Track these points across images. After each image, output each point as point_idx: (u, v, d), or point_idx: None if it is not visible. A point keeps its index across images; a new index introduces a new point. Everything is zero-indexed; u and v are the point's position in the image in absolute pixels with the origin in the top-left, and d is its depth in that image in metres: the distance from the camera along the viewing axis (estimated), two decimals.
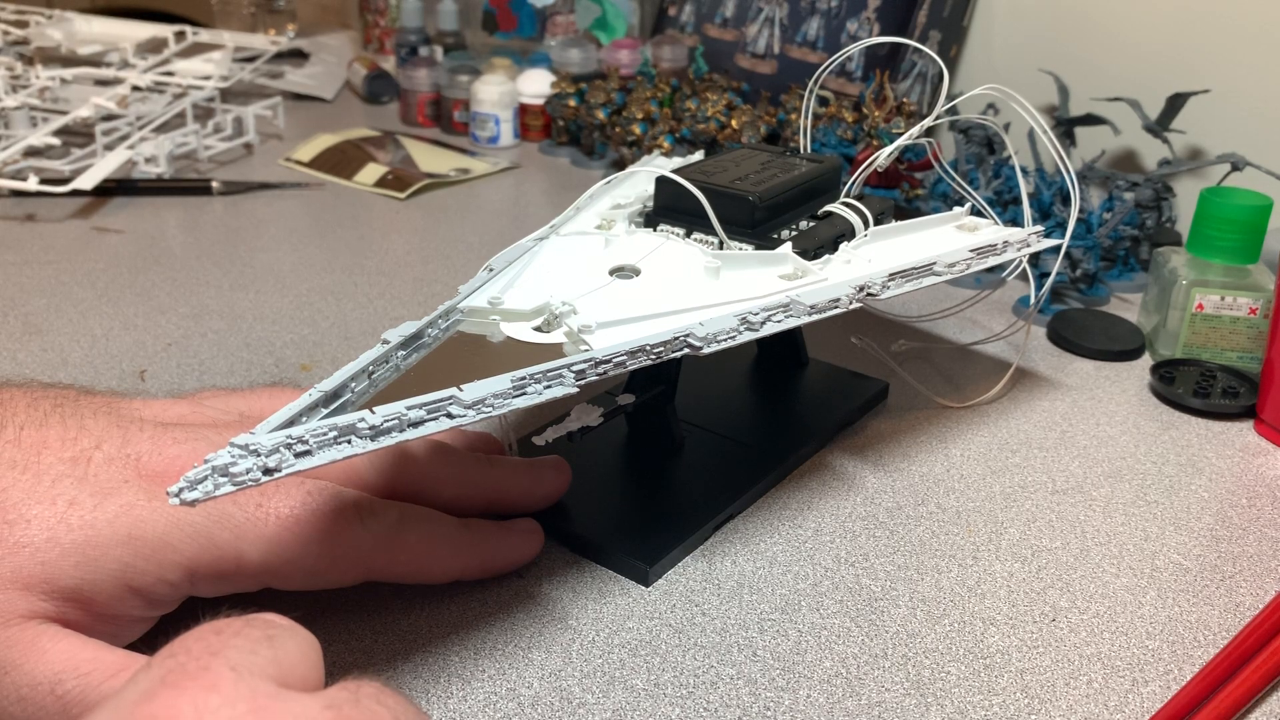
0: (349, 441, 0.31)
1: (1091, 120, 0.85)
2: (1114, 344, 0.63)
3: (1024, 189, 0.57)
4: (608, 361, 0.37)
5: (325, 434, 0.31)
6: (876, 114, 0.84)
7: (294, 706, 0.24)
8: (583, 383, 0.36)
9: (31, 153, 0.86)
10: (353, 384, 0.36)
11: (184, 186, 0.86)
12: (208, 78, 1.01)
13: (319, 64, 1.23)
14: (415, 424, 0.32)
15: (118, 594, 0.33)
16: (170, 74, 1.02)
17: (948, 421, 0.55)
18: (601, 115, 0.96)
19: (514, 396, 0.34)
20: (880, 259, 0.48)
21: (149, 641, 0.35)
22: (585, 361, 0.36)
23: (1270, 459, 0.54)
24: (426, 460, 0.41)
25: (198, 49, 1.09)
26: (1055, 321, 0.66)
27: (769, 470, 0.49)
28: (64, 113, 0.90)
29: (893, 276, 0.46)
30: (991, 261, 0.51)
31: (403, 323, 0.39)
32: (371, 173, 0.92)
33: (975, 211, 0.55)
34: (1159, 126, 0.81)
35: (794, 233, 0.49)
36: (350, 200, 0.87)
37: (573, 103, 0.99)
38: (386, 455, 0.40)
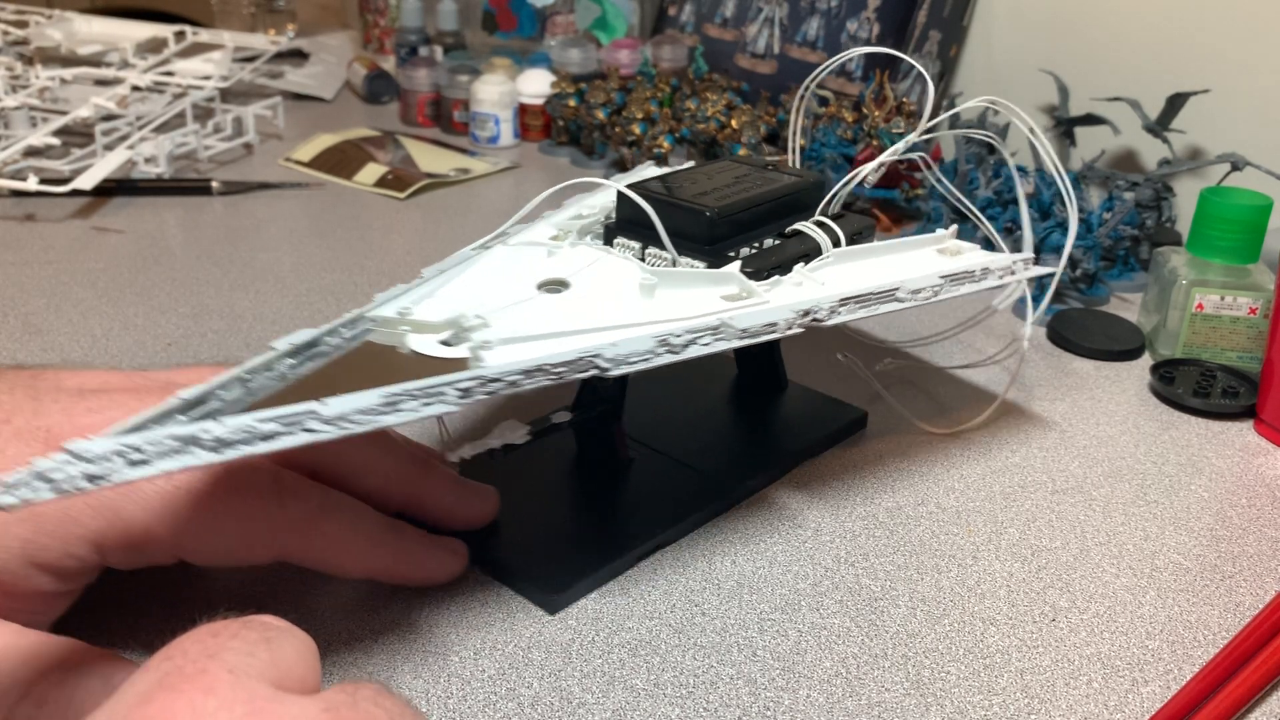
0: (191, 453, 0.30)
1: (1091, 120, 0.85)
2: (1114, 344, 0.63)
3: (1026, 217, 0.54)
4: (499, 380, 0.35)
5: (164, 444, 0.29)
6: (876, 114, 0.84)
7: (291, 709, 0.24)
8: (468, 401, 0.34)
9: (31, 153, 0.86)
10: (222, 391, 0.34)
11: (184, 186, 0.86)
12: (208, 78, 1.01)
13: (319, 64, 1.23)
14: (267, 437, 0.31)
15: (23, 571, 0.33)
16: (170, 74, 1.02)
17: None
18: (601, 115, 0.96)
19: (383, 414, 0.33)
20: (837, 282, 0.46)
21: (131, 635, 0.35)
22: (473, 379, 0.34)
23: (1270, 459, 0.54)
24: (359, 441, 0.39)
25: (198, 49, 1.09)
26: (1055, 321, 0.66)
27: (713, 500, 0.47)
28: (64, 113, 0.90)
29: (844, 301, 0.44)
30: (968, 289, 0.48)
31: (299, 330, 0.37)
32: (371, 173, 0.92)
33: (974, 234, 0.54)
34: (1159, 126, 0.81)
35: (753, 251, 0.47)
36: (350, 200, 0.87)
37: (573, 103, 0.99)
38: None
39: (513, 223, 0.48)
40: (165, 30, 1.10)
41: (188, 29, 1.11)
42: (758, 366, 0.56)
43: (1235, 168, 0.75)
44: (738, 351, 0.56)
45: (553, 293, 0.43)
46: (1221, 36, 0.83)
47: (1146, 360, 0.63)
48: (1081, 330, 0.65)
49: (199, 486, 0.35)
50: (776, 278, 0.45)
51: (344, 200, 0.87)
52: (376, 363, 0.38)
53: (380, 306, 0.41)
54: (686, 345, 0.39)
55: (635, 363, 0.38)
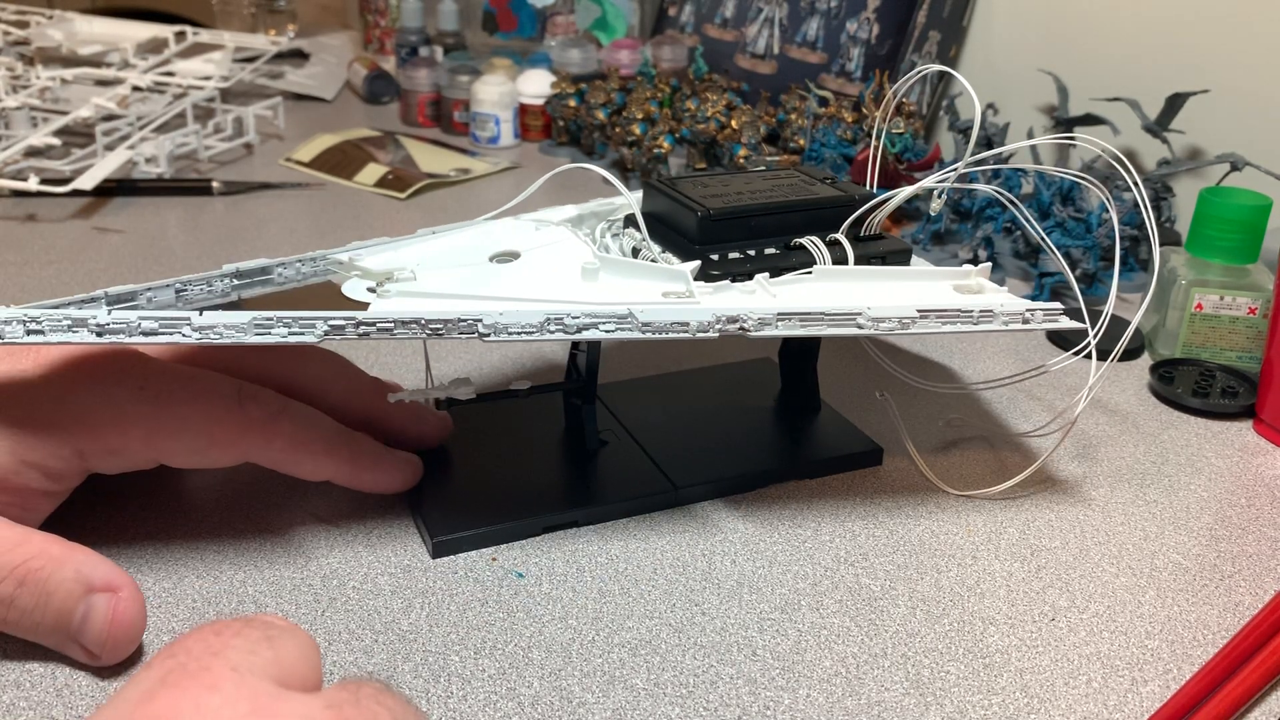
0: (78, 332, 0.36)
1: (1091, 120, 0.85)
2: (1113, 344, 0.63)
3: (1067, 273, 0.49)
4: (372, 324, 0.38)
5: (60, 320, 0.36)
6: (876, 114, 0.84)
7: (294, 706, 0.24)
8: (340, 338, 0.38)
9: (32, 153, 0.86)
10: (150, 293, 0.42)
11: (184, 186, 0.86)
12: (208, 78, 1.01)
13: (319, 64, 1.23)
14: (148, 333, 0.36)
15: (15, 466, 0.37)
16: (170, 74, 1.02)
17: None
18: (601, 115, 0.96)
19: (251, 332, 0.37)
20: (795, 297, 0.44)
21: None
22: (346, 319, 0.38)
23: (1269, 458, 0.54)
24: (319, 362, 0.45)
25: (198, 49, 1.09)
26: None
27: (651, 496, 0.47)
28: (64, 113, 0.90)
29: (784, 316, 0.42)
30: (956, 329, 0.44)
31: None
32: (372, 173, 0.92)
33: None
34: (1158, 126, 0.81)
35: (743, 255, 0.47)
36: (350, 200, 0.87)
37: (573, 103, 0.99)
38: (278, 352, 0.44)
39: (526, 195, 0.50)
40: (166, 30, 1.10)
41: (188, 29, 1.11)
42: (794, 385, 0.55)
43: (1234, 168, 0.75)
44: (781, 369, 0.56)
45: (501, 263, 0.46)
46: (1221, 36, 0.83)
47: (1146, 360, 0.63)
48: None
49: (166, 393, 0.39)
50: (727, 283, 0.44)
51: (344, 200, 0.87)
52: (319, 297, 0.42)
53: (343, 251, 0.46)
54: (583, 328, 0.40)
55: (517, 334, 0.40)
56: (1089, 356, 0.47)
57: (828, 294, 0.45)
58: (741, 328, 0.41)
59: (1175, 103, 0.80)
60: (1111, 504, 0.49)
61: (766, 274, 0.45)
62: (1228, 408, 0.57)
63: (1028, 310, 0.45)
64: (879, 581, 0.43)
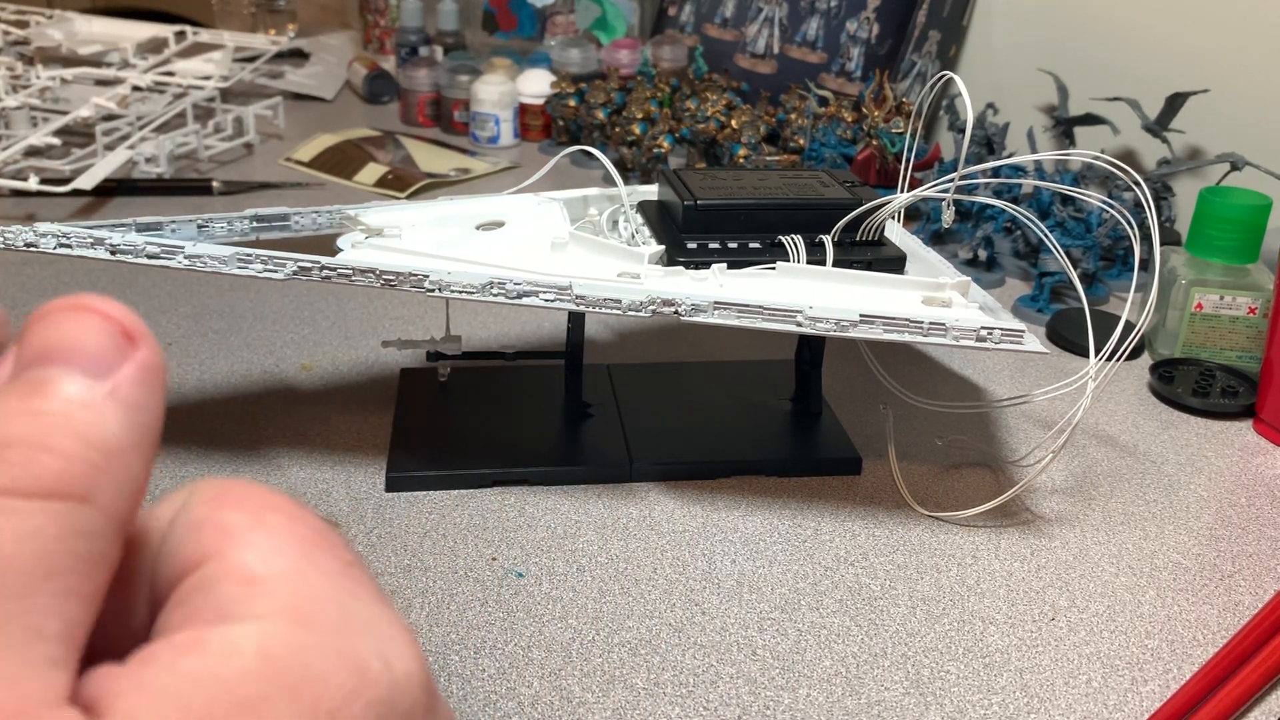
0: (97, 250, 0.43)
1: (1090, 120, 0.85)
2: (1117, 349, 0.63)
3: (1071, 274, 0.48)
4: (334, 269, 0.43)
5: (85, 238, 0.43)
6: (876, 114, 0.84)
7: None
8: (306, 279, 0.42)
9: (32, 153, 0.86)
10: (174, 225, 0.47)
11: (184, 186, 0.86)
12: (208, 78, 1.01)
13: (319, 64, 1.23)
14: (151, 255, 0.43)
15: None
16: (170, 74, 1.02)
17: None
18: (601, 115, 0.96)
19: (232, 264, 0.43)
20: (742, 290, 0.45)
21: None
22: (313, 262, 0.43)
23: (1269, 458, 0.54)
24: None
25: (198, 49, 1.09)
26: (1054, 321, 0.66)
27: (606, 467, 0.49)
28: (64, 113, 0.90)
29: (721, 305, 0.43)
30: (902, 338, 0.43)
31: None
32: (372, 172, 0.92)
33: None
34: (1158, 126, 0.81)
35: (722, 246, 0.47)
36: (351, 200, 0.87)
37: (573, 103, 0.99)
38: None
39: (542, 173, 0.54)
40: (166, 30, 1.10)
41: (188, 29, 1.11)
42: (803, 387, 0.55)
43: (1235, 168, 0.75)
44: (795, 371, 0.55)
45: (486, 230, 0.49)
46: (1221, 36, 0.83)
47: (1146, 360, 0.63)
48: (1081, 330, 0.65)
49: None
50: (680, 269, 0.46)
51: (345, 200, 0.87)
52: (326, 247, 0.46)
53: (355, 208, 0.50)
54: (523, 295, 0.43)
55: (459, 292, 0.43)
56: (1098, 359, 0.46)
57: (779, 290, 0.45)
58: (676, 311, 0.43)
59: (1175, 103, 0.80)
60: (1111, 503, 0.49)
61: (724, 264, 0.46)
62: (1228, 407, 0.57)
63: (983, 329, 0.43)
64: (879, 581, 0.43)
